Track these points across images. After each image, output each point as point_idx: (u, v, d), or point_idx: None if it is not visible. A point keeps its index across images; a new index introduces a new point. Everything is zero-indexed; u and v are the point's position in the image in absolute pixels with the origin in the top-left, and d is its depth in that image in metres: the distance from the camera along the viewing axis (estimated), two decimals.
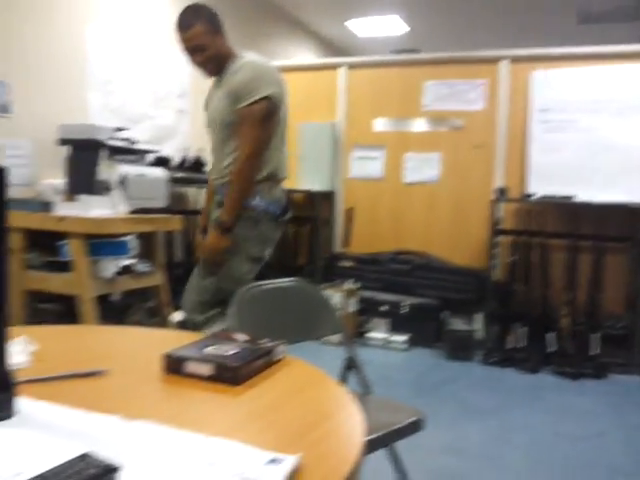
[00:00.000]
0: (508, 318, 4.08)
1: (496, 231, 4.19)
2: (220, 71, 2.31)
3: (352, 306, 4.30)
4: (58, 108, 3.54)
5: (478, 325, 4.19)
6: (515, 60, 4.37)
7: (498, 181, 4.39)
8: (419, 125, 4.67)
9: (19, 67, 3.34)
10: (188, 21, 2.23)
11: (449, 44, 6.97)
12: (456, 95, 4.53)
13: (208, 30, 2.23)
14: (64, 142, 3.22)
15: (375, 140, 4.80)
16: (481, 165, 4.47)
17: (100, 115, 3.78)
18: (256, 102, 2.17)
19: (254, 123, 2.19)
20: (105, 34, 3.87)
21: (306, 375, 1.11)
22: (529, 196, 4.15)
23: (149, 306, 3.52)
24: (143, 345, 1.28)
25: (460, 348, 4.04)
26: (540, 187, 4.15)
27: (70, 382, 0.98)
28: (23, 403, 0.83)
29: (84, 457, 0.66)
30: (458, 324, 4.12)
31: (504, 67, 4.39)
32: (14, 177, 3.08)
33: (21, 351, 1.04)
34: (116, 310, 3.34)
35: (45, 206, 3.06)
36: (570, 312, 3.99)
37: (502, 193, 4.23)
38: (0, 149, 3.22)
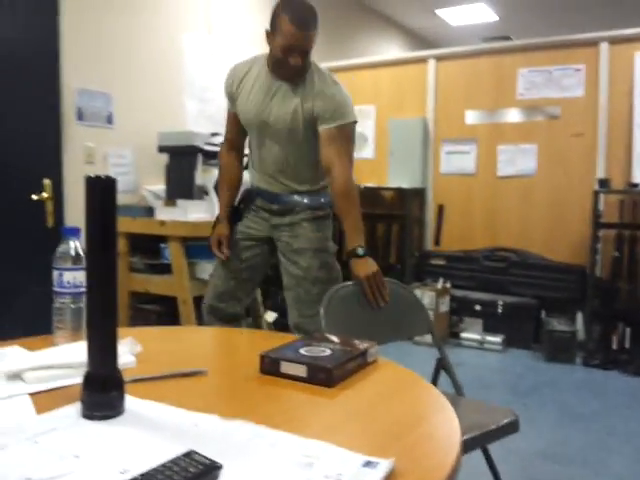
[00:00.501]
0: (611, 318, 3.85)
1: (598, 224, 3.96)
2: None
3: (444, 305, 4.22)
4: (157, 116, 3.72)
5: (579, 325, 3.98)
6: (615, 41, 4.11)
7: (600, 171, 4.15)
8: (513, 115, 4.50)
9: (120, 79, 3.54)
10: (315, 22, 2.08)
11: (542, 29, 6.68)
12: (552, 82, 4.33)
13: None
14: (163, 149, 3.38)
15: (467, 133, 4.68)
16: (581, 155, 4.25)
17: (196, 122, 3.94)
18: (348, 124, 2.15)
19: (349, 144, 2.19)
20: (200, 42, 4.02)
21: (400, 377, 1.10)
22: (634, 186, 3.90)
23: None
24: (240, 346, 1.31)
25: (559, 349, 3.86)
26: None
27: (173, 381, 1.02)
28: (130, 401, 0.88)
29: (189, 455, 0.69)
30: (557, 324, 3.94)
31: (604, 50, 4.14)
32: (118, 184, 3.26)
33: (128, 352, 1.10)
34: None
35: (147, 211, 3.23)
36: None
37: (604, 184, 4.00)
38: (105, 158, 3.43)
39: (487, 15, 6.70)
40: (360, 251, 2.09)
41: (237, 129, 2.30)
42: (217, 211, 2.39)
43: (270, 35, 2.10)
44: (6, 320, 2.99)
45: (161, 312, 3.39)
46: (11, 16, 3.02)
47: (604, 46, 4.13)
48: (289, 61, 2.05)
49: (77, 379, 0.89)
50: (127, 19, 3.61)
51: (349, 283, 1.97)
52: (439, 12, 6.67)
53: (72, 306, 1.15)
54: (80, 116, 3.31)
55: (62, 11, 3.22)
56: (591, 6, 6.32)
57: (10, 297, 3.03)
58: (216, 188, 3.11)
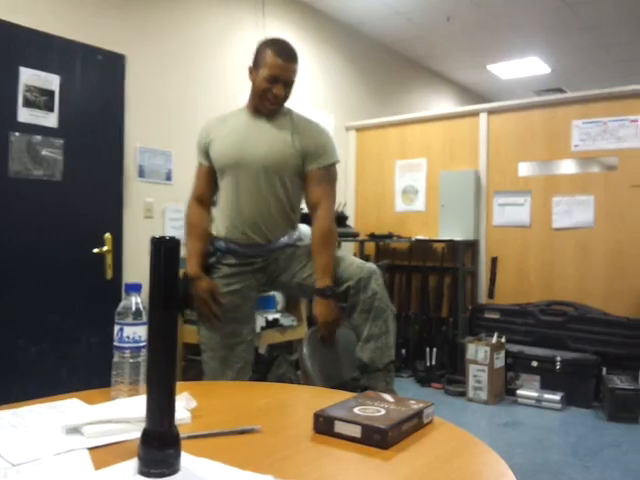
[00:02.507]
0: None
1: None
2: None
3: (499, 361, 4.09)
4: None
5: None
6: None
7: None
8: (568, 167, 4.45)
9: (179, 137, 3.69)
10: (297, 56, 2.19)
11: (595, 80, 6.66)
12: (608, 133, 4.26)
13: None
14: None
15: (520, 185, 4.64)
16: None
17: None
18: (334, 164, 2.24)
19: (333, 184, 2.25)
20: None
21: (457, 440, 1.07)
22: None
23: (293, 359, 3.61)
24: (293, 402, 1.31)
25: (623, 408, 3.66)
26: None
27: (227, 439, 1.02)
28: (186, 459, 0.88)
29: None
30: (619, 382, 3.74)
31: None
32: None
33: (183, 407, 1.11)
34: (263, 362, 3.47)
35: None
36: None
37: None
38: (163, 213, 3.55)
39: (539, 68, 6.72)
40: (328, 292, 2.12)
41: (208, 184, 2.27)
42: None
43: (253, 70, 2.18)
44: (64, 367, 3.09)
45: None
46: (81, 81, 3.22)
47: None
48: (273, 91, 2.12)
49: (134, 434, 0.91)
50: (186, 81, 3.79)
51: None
52: (490, 67, 6.74)
53: (131, 360, 1.17)
54: (141, 173, 3.46)
55: (127, 76, 3.42)
56: None
57: (68, 345, 3.13)
58: None
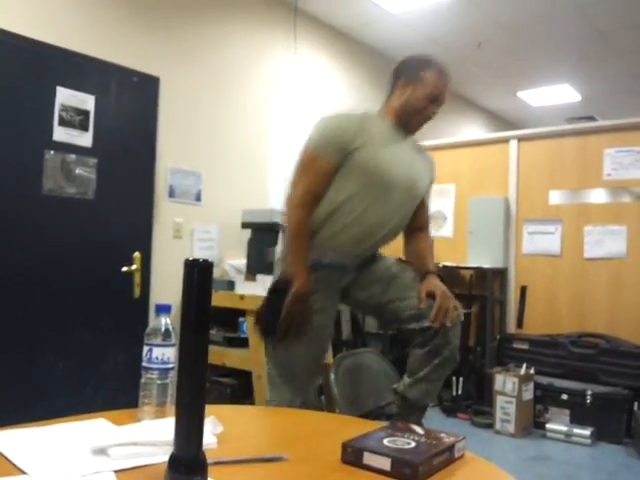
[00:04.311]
0: None
1: None
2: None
3: (528, 393, 3.99)
4: (243, 194, 3.87)
5: None
6: None
7: None
8: (599, 196, 4.37)
9: (209, 159, 3.73)
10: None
11: (627, 109, 6.58)
12: None
13: None
14: (246, 225, 3.49)
15: (551, 214, 4.57)
16: None
17: (278, 199, 4.06)
18: None
19: None
20: (284, 124, 4.20)
21: (489, 476, 1.03)
22: None
23: (318, 384, 3.57)
24: (320, 431, 1.28)
25: None
26: None
27: (253, 466, 1.00)
28: None
29: None
30: None
31: None
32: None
33: (210, 432, 1.09)
34: None
35: (228, 285, 3.31)
36: None
37: None
38: (192, 233, 3.57)
39: (569, 95, 6.68)
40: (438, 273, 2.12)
41: (327, 184, 1.99)
42: (295, 267, 1.93)
43: (408, 85, 2.09)
44: (90, 384, 3.10)
45: (236, 386, 3.39)
46: (116, 101, 3.29)
47: None
48: (428, 111, 2.09)
49: (161, 457, 0.90)
50: (217, 104, 3.84)
51: (354, 352, 2.18)
52: (520, 94, 6.71)
53: (159, 382, 1.17)
54: (171, 193, 3.50)
55: (160, 97, 3.48)
56: None
57: (94, 362, 3.14)
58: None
